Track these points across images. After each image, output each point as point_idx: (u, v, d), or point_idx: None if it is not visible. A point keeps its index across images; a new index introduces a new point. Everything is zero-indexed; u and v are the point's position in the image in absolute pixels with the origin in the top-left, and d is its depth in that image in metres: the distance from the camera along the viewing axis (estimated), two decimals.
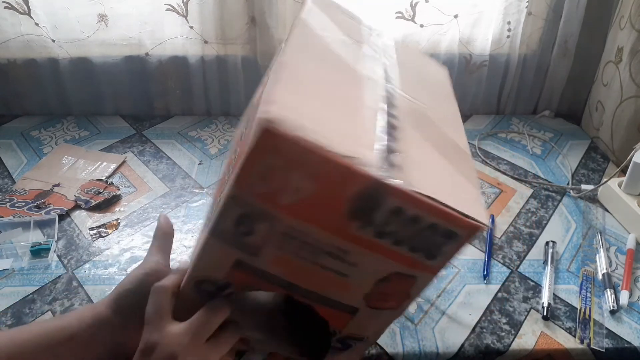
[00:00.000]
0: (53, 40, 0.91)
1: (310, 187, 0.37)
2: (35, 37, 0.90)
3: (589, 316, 0.60)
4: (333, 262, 0.42)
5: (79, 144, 0.91)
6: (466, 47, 0.96)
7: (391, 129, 0.41)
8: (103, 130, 0.95)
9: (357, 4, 0.90)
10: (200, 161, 0.88)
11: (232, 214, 0.40)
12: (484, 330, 0.59)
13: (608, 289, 0.63)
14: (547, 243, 0.70)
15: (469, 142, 0.93)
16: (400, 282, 0.43)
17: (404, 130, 0.42)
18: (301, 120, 0.36)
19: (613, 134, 0.87)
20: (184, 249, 0.70)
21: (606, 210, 0.78)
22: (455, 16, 0.92)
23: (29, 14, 0.88)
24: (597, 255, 0.69)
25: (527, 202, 0.79)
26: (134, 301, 0.45)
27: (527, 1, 0.91)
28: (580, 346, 0.57)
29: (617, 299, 0.62)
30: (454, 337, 0.58)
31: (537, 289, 0.64)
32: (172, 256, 0.69)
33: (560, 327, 0.59)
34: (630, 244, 0.70)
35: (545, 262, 0.68)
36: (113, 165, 0.86)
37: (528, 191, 0.82)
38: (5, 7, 0.87)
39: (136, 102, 0.99)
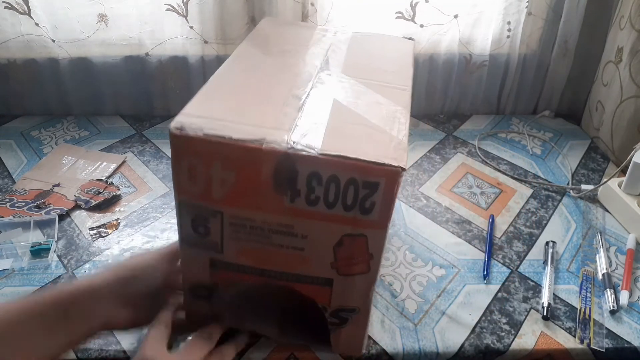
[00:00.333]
0: (53, 40, 0.91)
1: (231, 176, 0.42)
2: (35, 37, 0.90)
3: (589, 316, 0.60)
4: (285, 239, 0.46)
5: (79, 144, 0.91)
6: (466, 47, 0.96)
7: (310, 105, 0.46)
8: (103, 130, 0.96)
9: (357, 4, 0.91)
10: None
11: (187, 219, 0.46)
12: (484, 330, 0.59)
13: (608, 289, 0.63)
14: (547, 243, 0.70)
15: (469, 142, 0.94)
16: (354, 244, 0.45)
17: (324, 103, 0.47)
18: (206, 122, 0.42)
19: (613, 134, 0.87)
20: None
21: (606, 210, 0.78)
22: (455, 16, 0.92)
23: (29, 14, 0.88)
24: (597, 255, 0.69)
25: (527, 202, 0.79)
26: (136, 289, 0.47)
27: (527, 1, 0.91)
28: (580, 346, 0.57)
29: (617, 299, 0.62)
30: (454, 337, 0.58)
31: (537, 289, 0.64)
32: None
33: (560, 327, 0.59)
34: (630, 244, 0.70)
35: (545, 262, 0.68)
36: (113, 165, 0.86)
37: (528, 191, 0.82)
38: (5, 7, 0.87)
39: (136, 102, 0.99)
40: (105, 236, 0.72)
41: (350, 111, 0.47)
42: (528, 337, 0.58)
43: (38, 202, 0.77)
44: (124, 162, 0.88)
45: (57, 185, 0.81)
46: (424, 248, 0.70)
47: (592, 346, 0.57)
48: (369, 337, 0.58)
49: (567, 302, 0.62)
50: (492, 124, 1.01)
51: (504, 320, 0.60)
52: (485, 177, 0.85)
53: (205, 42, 0.93)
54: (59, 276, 0.65)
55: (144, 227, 0.74)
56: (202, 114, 0.43)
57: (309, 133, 0.42)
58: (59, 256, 0.69)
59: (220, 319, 0.53)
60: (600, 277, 0.65)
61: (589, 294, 0.63)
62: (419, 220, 0.75)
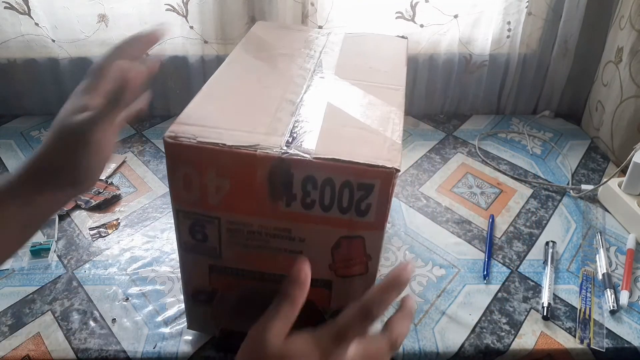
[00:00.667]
0: (53, 40, 0.91)
1: (226, 182, 0.43)
2: (35, 37, 0.90)
3: (589, 316, 0.60)
4: (283, 243, 0.46)
5: None
6: (466, 47, 0.96)
7: (304, 110, 0.46)
8: None
9: (357, 4, 0.91)
10: None
11: (184, 227, 0.47)
12: (484, 330, 0.59)
13: (608, 289, 0.63)
14: (547, 243, 0.70)
15: (468, 142, 0.94)
16: (352, 246, 0.45)
17: (317, 107, 0.47)
18: (200, 130, 0.42)
19: (613, 134, 0.87)
20: None
21: (606, 210, 0.78)
22: (455, 16, 0.92)
23: (29, 14, 0.88)
24: (597, 255, 0.69)
25: (527, 202, 0.79)
26: (50, 165, 0.42)
27: (527, 1, 0.91)
28: (580, 346, 0.57)
29: (617, 299, 0.62)
30: (454, 337, 0.58)
31: (537, 289, 0.64)
32: (172, 256, 0.69)
33: (560, 327, 0.59)
34: (630, 244, 0.70)
35: (545, 262, 0.68)
36: (113, 165, 0.86)
37: (528, 191, 0.82)
38: (5, 7, 0.87)
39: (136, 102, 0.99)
40: (105, 236, 0.72)
41: (343, 114, 0.47)
42: (528, 337, 0.58)
43: None
44: (124, 162, 0.88)
45: None
46: (424, 248, 0.70)
47: (592, 346, 0.57)
48: None
49: (567, 302, 0.62)
50: (492, 124, 1.01)
51: (504, 320, 0.60)
52: (485, 177, 0.85)
53: (205, 42, 0.93)
54: (59, 276, 0.66)
55: (144, 227, 0.74)
56: (195, 122, 0.43)
57: (302, 137, 0.43)
58: (59, 256, 0.69)
59: (221, 323, 0.54)
60: (600, 277, 0.65)
61: (589, 294, 0.63)
62: (419, 220, 0.75)
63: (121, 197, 0.80)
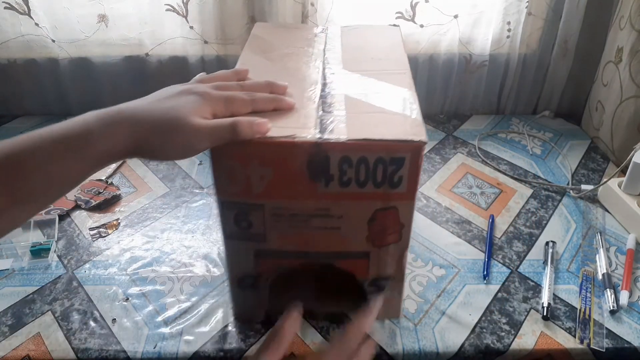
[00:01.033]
0: (53, 40, 0.91)
1: (269, 171, 0.46)
2: (35, 37, 0.90)
3: (589, 316, 0.60)
4: (323, 221, 0.50)
5: None
6: (466, 47, 0.96)
7: (323, 103, 0.50)
8: None
9: (357, 4, 0.91)
10: (200, 161, 0.88)
11: (229, 216, 0.50)
12: (484, 330, 0.59)
13: (608, 289, 0.63)
14: (547, 243, 0.70)
15: (469, 142, 0.94)
16: (387, 217, 0.50)
17: (337, 99, 0.51)
18: None
19: (613, 134, 0.87)
20: (184, 249, 0.70)
21: (606, 210, 0.78)
22: (455, 16, 0.92)
23: (29, 14, 0.88)
24: (597, 255, 0.69)
25: (527, 202, 0.79)
26: (148, 145, 0.43)
27: (527, 1, 0.91)
28: (580, 346, 0.57)
29: (617, 299, 0.62)
30: (454, 337, 0.58)
31: (537, 289, 0.64)
32: (172, 256, 0.69)
33: (560, 327, 0.59)
34: (630, 244, 0.70)
35: (545, 262, 0.68)
36: (113, 165, 0.86)
37: (528, 191, 0.82)
38: (5, 7, 0.87)
39: None
40: (105, 236, 0.72)
41: (362, 102, 0.51)
42: (528, 337, 0.58)
43: None
44: (124, 162, 0.88)
45: None
46: (424, 248, 0.70)
47: (592, 346, 0.57)
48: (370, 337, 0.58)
49: (567, 302, 0.62)
50: (492, 124, 1.01)
51: (504, 320, 0.60)
52: (485, 177, 0.85)
53: (205, 42, 0.93)
54: (59, 276, 0.66)
55: (144, 227, 0.74)
56: None
57: (332, 125, 0.46)
58: (59, 256, 0.69)
59: (264, 306, 0.58)
60: (600, 277, 0.65)
61: (589, 294, 0.63)
62: (419, 220, 0.75)
63: (121, 197, 0.80)
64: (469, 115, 1.03)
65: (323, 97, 0.51)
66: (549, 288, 0.63)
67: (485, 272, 0.66)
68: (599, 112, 0.92)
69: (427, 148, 0.92)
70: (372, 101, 0.51)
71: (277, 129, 0.45)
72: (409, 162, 0.45)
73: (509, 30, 0.94)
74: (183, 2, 0.89)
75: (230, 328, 0.59)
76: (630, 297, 0.62)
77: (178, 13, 0.90)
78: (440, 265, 0.67)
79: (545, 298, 0.62)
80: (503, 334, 0.58)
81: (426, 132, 0.46)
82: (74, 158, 0.40)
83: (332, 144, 0.45)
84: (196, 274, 0.66)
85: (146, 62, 0.95)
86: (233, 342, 0.57)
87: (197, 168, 0.87)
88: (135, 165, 0.87)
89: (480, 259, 0.69)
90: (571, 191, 0.81)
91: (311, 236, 0.51)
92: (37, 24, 0.89)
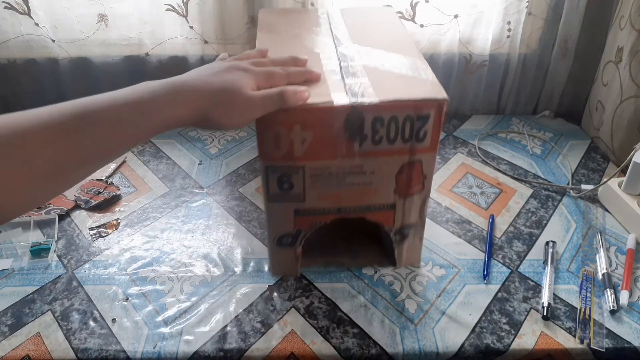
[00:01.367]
0: (53, 40, 0.91)
1: (309, 135, 0.52)
2: (35, 37, 0.90)
3: (589, 316, 0.60)
4: (357, 178, 0.56)
5: None
6: (466, 47, 0.96)
7: (346, 72, 0.56)
8: None
9: (356, 4, 0.91)
10: (200, 161, 0.88)
11: (272, 179, 0.55)
12: (484, 330, 0.59)
13: (608, 289, 0.63)
14: (547, 243, 0.70)
15: (469, 142, 0.94)
16: (412, 169, 0.56)
17: (357, 70, 0.56)
18: None
19: (613, 134, 0.87)
20: (183, 249, 0.70)
21: (606, 210, 0.78)
22: (455, 16, 0.92)
23: (29, 14, 0.88)
24: (597, 255, 0.68)
25: (527, 202, 0.79)
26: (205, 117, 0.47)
27: (527, 1, 0.91)
28: (580, 346, 0.57)
29: (617, 299, 0.62)
30: (454, 337, 0.58)
31: (537, 289, 0.64)
32: (172, 256, 0.69)
33: (560, 327, 0.59)
34: (630, 244, 0.70)
35: (545, 262, 0.68)
36: (113, 165, 0.86)
37: (528, 191, 0.82)
38: (5, 7, 0.87)
39: None
40: (105, 236, 0.72)
41: (380, 70, 0.57)
42: (528, 337, 0.58)
43: None
44: (123, 162, 0.88)
45: None
46: (424, 248, 0.70)
47: (592, 346, 0.57)
48: (370, 338, 0.58)
49: (567, 302, 0.62)
50: (492, 124, 1.01)
51: (504, 320, 0.60)
52: (485, 177, 0.85)
53: (205, 42, 0.93)
54: (59, 276, 0.66)
55: (144, 227, 0.74)
56: None
57: (361, 91, 0.52)
58: (59, 256, 0.69)
59: (299, 261, 0.64)
60: (600, 277, 0.65)
61: (589, 294, 0.63)
62: None
63: (121, 197, 0.80)
64: (469, 115, 1.03)
65: (344, 68, 0.57)
66: (549, 288, 0.63)
67: (485, 272, 0.66)
68: (599, 112, 0.92)
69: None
70: (389, 69, 0.57)
71: (314, 96, 0.51)
72: (433, 118, 0.52)
73: (509, 30, 0.94)
74: (183, 2, 0.89)
75: (230, 328, 0.59)
76: (630, 297, 0.62)
77: (178, 13, 0.90)
78: (440, 265, 0.67)
79: (545, 298, 0.62)
80: (503, 334, 0.58)
81: (444, 91, 0.52)
82: (144, 123, 0.44)
83: (367, 106, 0.50)
84: (196, 274, 0.66)
85: (146, 62, 0.95)
86: (233, 342, 0.57)
87: (197, 168, 0.87)
88: (135, 165, 0.87)
89: (480, 258, 0.69)
90: (571, 191, 0.81)
91: (345, 193, 0.57)
92: (37, 24, 0.89)
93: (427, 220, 0.75)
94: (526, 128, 0.99)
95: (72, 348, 0.56)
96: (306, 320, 0.60)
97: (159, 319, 0.60)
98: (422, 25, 0.93)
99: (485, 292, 0.64)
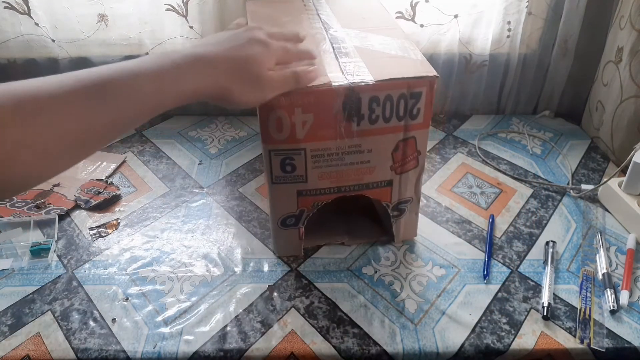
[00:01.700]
0: (53, 40, 0.91)
1: (310, 117, 0.54)
2: (35, 37, 0.90)
3: (589, 316, 0.60)
4: (355, 157, 0.58)
5: None
6: (466, 47, 0.96)
7: (341, 55, 0.58)
8: None
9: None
10: (200, 161, 0.88)
11: (276, 163, 0.57)
12: (484, 330, 0.59)
13: (608, 289, 0.63)
14: (547, 243, 0.70)
15: (469, 142, 0.94)
16: (407, 145, 0.59)
17: (350, 51, 0.59)
18: None
19: (613, 134, 0.87)
20: (183, 249, 0.70)
21: (606, 210, 0.78)
22: (455, 16, 0.92)
23: (29, 14, 0.88)
24: (597, 255, 0.68)
25: (527, 202, 0.79)
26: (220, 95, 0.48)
27: (527, 1, 0.91)
28: (580, 346, 0.57)
29: (617, 299, 0.62)
30: (454, 337, 0.58)
31: (537, 289, 0.64)
32: (172, 256, 0.69)
33: (560, 327, 0.59)
34: (630, 243, 0.70)
35: (545, 262, 0.68)
36: (113, 165, 0.86)
37: (528, 191, 0.82)
38: (5, 7, 0.87)
39: None
40: (105, 236, 0.72)
41: (371, 51, 0.59)
42: (528, 337, 0.58)
43: (38, 202, 0.77)
44: (123, 161, 0.88)
45: (57, 185, 0.81)
46: (424, 248, 0.70)
47: (592, 346, 0.57)
48: (370, 338, 0.58)
49: (567, 302, 0.62)
50: (492, 124, 1.01)
51: (504, 320, 0.60)
52: (485, 177, 0.85)
53: None
54: (59, 276, 0.66)
55: (144, 227, 0.74)
56: None
57: (357, 71, 0.54)
58: (59, 256, 0.69)
59: (302, 241, 0.67)
60: (600, 277, 0.65)
61: (589, 294, 0.63)
62: (419, 220, 0.75)
63: (121, 197, 0.80)
64: (469, 115, 1.03)
65: (336, 49, 0.59)
66: (549, 288, 0.63)
67: (485, 272, 0.66)
68: (599, 112, 0.92)
69: (427, 147, 0.92)
70: (379, 50, 0.60)
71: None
72: (426, 95, 0.54)
73: (509, 30, 0.94)
74: (183, 2, 0.89)
75: (230, 328, 0.59)
76: (630, 296, 0.62)
77: (178, 13, 0.90)
78: (441, 265, 0.67)
79: (545, 298, 0.62)
80: (503, 333, 0.58)
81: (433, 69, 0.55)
82: (164, 95, 0.43)
83: (364, 86, 0.52)
84: (196, 274, 0.66)
85: None
86: (233, 342, 0.57)
87: (197, 168, 0.87)
88: (135, 165, 0.87)
89: (481, 258, 0.69)
90: (571, 191, 0.81)
91: (345, 172, 0.59)
92: (37, 24, 0.89)
93: (427, 220, 0.75)
94: (526, 128, 0.99)
95: (72, 348, 0.56)
96: (306, 320, 0.60)
97: (159, 319, 0.60)
98: (422, 25, 0.93)
99: (485, 292, 0.64)
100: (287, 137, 0.55)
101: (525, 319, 0.60)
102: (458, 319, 0.60)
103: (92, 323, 0.59)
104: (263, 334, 0.58)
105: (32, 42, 0.91)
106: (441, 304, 0.62)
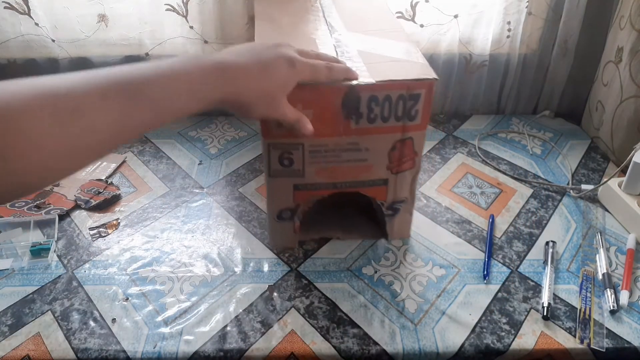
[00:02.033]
0: (53, 40, 0.91)
1: (310, 113, 0.54)
2: (35, 37, 0.90)
3: (589, 316, 0.60)
4: (352, 154, 0.59)
5: None
6: (466, 47, 0.96)
7: (343, 57, 0.59)
8: None
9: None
10: (200, 161, 0.88)
11: (274, 156, 0.59)
12: (484, 330, 0.59)
13: (608, 289, 0.63)
14: (547, 243, 0.70)
15: (469, 142, 0.94)
16: (404, 146, 0.60)
17: (353, 55, 0.60)
18: None
19: (613, 134, 0.87)
20: (183, 249, 0.70)
21: (606, 210, 0.78)
22: (455, 16, 0.92)
23: (29, 14, 0.88)
24: (597, 255, 0.68)
25: (527, 202, 0.79)
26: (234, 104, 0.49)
27: (527, 1, 0.91)
28: (580, 346, 0.57)
29: (617, 299, 0.62)
30: (454, 337, 0.58)
31: (537, 289, 0.64)
32: (172, 256, 0.69)
33: (560, 327, 0.59)
34: (630, 243, 0.70)
35: (545, 262, 0.68)
36: (113, 165, 0.86)
37: (528, 191, 0.82)
38: (5, 7, 0.87)
39: None
40: (105, 236, 0.72)
41: (374, 54, 0.60)
42: (528, 337, 0.58)
43: (38, 202, 0.77)
44: (123, 162, 0.88)
45: (57, 185, 0.81)
46: (424, 248, 0.70)
47: (592, 346, 0.57)
48: (370, 338, 0.58)
49: (567, 302, 0.62)
50: (492, 124, 1.01)
51: (504, 320, 0.60)
52: (485, 177, 0.85)
53: (205, 42, 0.93)
54: (59, 276, 0.66)
55: (144, 227, 0.74)
56: None
57: (358, 72, 0.55)
58: (59, 256, 0.69)
59: (298, 234, 0.68)
60: (600, 277, 0.65)
61: (589, 294, 0.63)
62: (419, 220, 0.75)
63: (121, 197, 0.80)
64: (469, 115, 1.03)
65: (339, 54, 0.60)
66: (549, 288, 0.63)
67: (485, 272, 0.66)
68: (599, 112, 0.92)
69: (427, 148, 0.92)
70: (381, 53, 0.61)
71: None
72: (424, 97, 0.55)
73: (509, 30, 0.94)
74: (183, 2, 0.89)
75: (230, 328, 0.59)
76: (630, 297, 0.62)
77: (178, 13, 0.90)
78: (441, 265, 0.67)
79: (545, 298, 0.62)
80: (503, 333, 0.58)
81: (433, 72, 0.56)
82: (195, 100, 0.44)
83: (363, 86, 0.54)
84: (196, 274, 0.66)
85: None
86: (233, 342, 0.57)
87: (197, 168, 0.87)
88: (135, 165, 0.87)
89: (480, 258, 0.69)
90: (571, 191, 0.81)
91: (341, 168, 0.60)
92: (37, 24, 0.89)
93: (427, 220, 0.75)
94: (526, 128, 0.99)
95: (72, 348, 0.56)
96: (306, 320, 0.60)
97: (159, 319, 0.60)
98: (422, 25, 0.93)
99: (485, 292, 0.64)
100: (285, 132, 0.56)
101: (525, 319, 0.60)
102: (458, 319, 0.60)
103: (92, 323, 0.59)
104: (263, 334, 0.58)
105: (32, 42, 0.91)
106: (441, 304, 0.62)
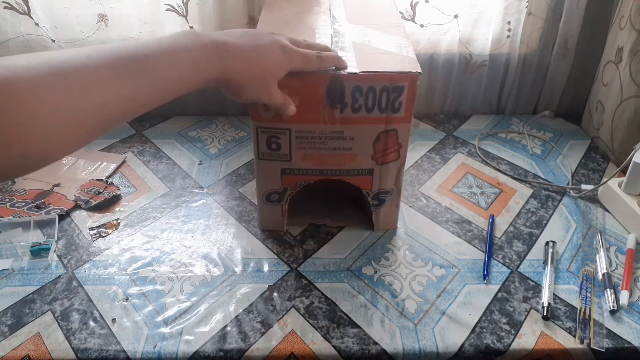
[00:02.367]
0: (53, 40, 0.91)
1: (296, 99, 0.57)
2: (35, 37, 0.90)
3: (589, 316, 0.60)
4: (338, 143, 0.61)
5: None
6: (466, 47, 0.96)
7: (337, 47, 0.61)
8: None
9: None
10: (200, 161, 0.88)
11: (262, 140, 0.61)
12: (484, 330, 0.59)
13: (608, 289, 0.63)
14: (547, 243, 0.70)
15: (469, 142, 0.94)
16: (388, 137, 0.61)
17: (346, 45, 0.62)
18: None
19: (613, 134, 0.87)
20: (183, 249, 0.70)
21: (606, 210, 0.78)
22: (455, 16, 0.92)
23: (29, 14, 0.88)
24: (597, 255, 0.69)
25: (527, 202, 0.79)
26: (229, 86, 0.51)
27: (527, 1, 0.91)
28: (580, 346, 0.57)
29: (617, 299, 0.62)
30: (454, 337, 0.58)
31: (537, 289, 0.64)
32: (172, 256, 0.69)
33: (560, 327, 0.59)
34: (630, 244, 0.70)
35: (545, 262, 0.68)
36: (113, 165, 0.86)
37: (528, 191, 0.82)
38: (5, 7, 0.87)
39: None
40: (105, 236, 0.72)
41: (366, 46, 0.62)
42: (528, 337, 0.58)
43: (38, 202, 0.77)
44: (124, 162, 0.88)
45: (57, 185, 0.81)
46: (424, 248, 0.70)
47: (592, 346, 0.57)
48: (370, 338, 0.58)
49: (567, 302, 0.62)
50: (492, 124, 1.01)
51: (504, 320, 0.60)
52: (485, 177, 0.85)
53: None
54: (59, 276, 0.66)
55: (144, 227, 0.74)
56: None
57: (347, 62, 0.57)
58: (59, 256, 0.69)
59: (285, 217, 0.70)
60: (600, 277, 0.65)
61: (589, 294, 0.63)
62: (419, 220, 0.75)
63: (121, 197, 0.80)
64: (469, 115, 1.03)
65: (334, 43, 0.62)
66: (549, 288, 0.63)
67: (485, 272, 0.66)
68: (599, 112, 0.92)
69: (427, 148, 0.92)
70: (374, 45, 0.63)
71: None
72: (407, 90, 0.57)
73: (509, 30, 0.94)
74: (183, 2, 0.89)
75: (230, 328, 0.59)
76: (630, 297, 0.62)
77: (178, 13, 0.90)
78: (440, 265, 0.67)
79: (545, 298, 0.62)
80: (503, 333, 0.58)
81: (419, 67, 0.57)
82: (195, 76, 0.46)
83: (347, 75, 0.56)
84: (196, 274, 0.66)
85: None
86: (233, 342, 0.57)
87: (197, 168, 0.87)
88: (135, 165, 0.87)
89: (480, 258, 0.69)
90: (571, 191, 0.81)
91: (327, 156, 0.62)
92: (37, 24, 0.89)
93: (427, 220, 0.75)
94: (526, 128, 0.99)
95: (72, 348, 0.56)
96: (306, 320, 0.60)
97: (159, 319, 0.60)
98: (422, 25, 0.93)
99: (485, 292, 0.64)
100: (273, 116, 0.58)
101: (525, 319, 0.60)
102: (458, 319, 0.60)
103: (92, 323, 0.59)
104: (263, 334, 0.58)
105: (32, 42, 0.91)
106: (441, 304, 0.62)
